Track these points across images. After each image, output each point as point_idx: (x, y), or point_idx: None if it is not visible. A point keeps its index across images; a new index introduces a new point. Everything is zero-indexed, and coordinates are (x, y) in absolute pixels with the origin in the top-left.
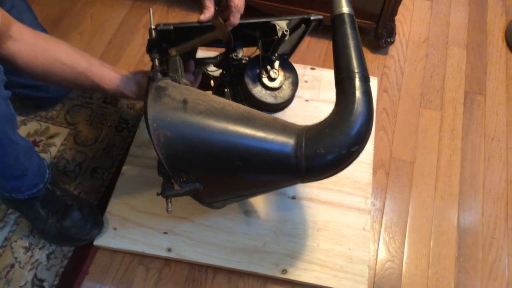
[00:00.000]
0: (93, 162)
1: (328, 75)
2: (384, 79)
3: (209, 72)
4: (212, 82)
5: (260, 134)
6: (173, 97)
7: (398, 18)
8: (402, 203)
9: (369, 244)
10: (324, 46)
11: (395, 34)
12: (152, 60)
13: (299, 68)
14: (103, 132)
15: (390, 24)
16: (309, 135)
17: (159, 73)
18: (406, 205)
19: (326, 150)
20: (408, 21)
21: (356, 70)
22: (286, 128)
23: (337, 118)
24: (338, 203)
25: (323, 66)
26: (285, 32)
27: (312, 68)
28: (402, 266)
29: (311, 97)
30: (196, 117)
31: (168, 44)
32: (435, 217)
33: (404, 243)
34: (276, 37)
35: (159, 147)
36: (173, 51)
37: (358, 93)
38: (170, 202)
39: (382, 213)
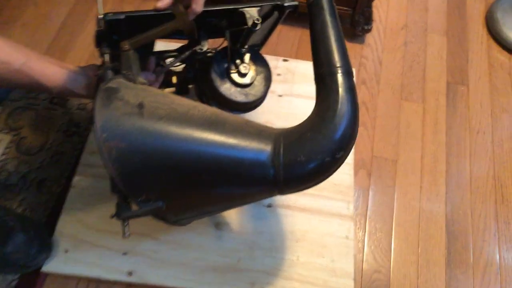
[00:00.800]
0: (39, 173)
1: (302, 67)
2: (361, 70)
3: (171, 67)
4: (174, 78)
5: (231, 140)
6: (126, 100)
7: (374, 3)
8: (386, 206)
9: (353, 254)
10: (297, 35)
11: (372, 21)
12: (102, 55)
13: (270, 59)
14: (51, 137)
15: (368, 10)
16: (288, 140)
17: (110, 71)
18: (391, 208)
19: (307, 158)
20: (385, 7)
21: (338, 64)
22: (261, 133)
23: (319, 120)
24: (317, 209)
25: (297, 57)
26: (256, 21)
27: (284, 60)
28: (389, 277)
29: (285, 91)
30: (155, 123)
31: (119, 37)
32: (421, 220)
33: (390, 251)
34: (246, 27)
35: (111, 162)
36: (125, 45)
37: (341, 91)
38: (127, 225)
39: (366, 218)
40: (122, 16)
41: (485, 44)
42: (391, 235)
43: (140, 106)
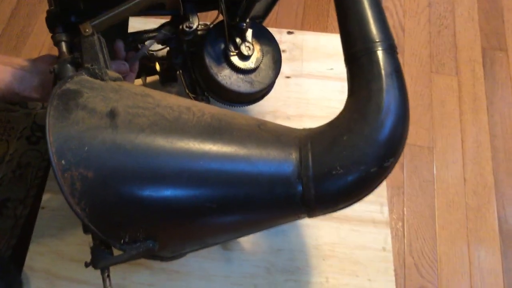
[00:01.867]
0: (0, 193)
1: (310, 40)
2: None
3: (152, 52)
4: (157, 65)
5: (242, 152)
6: (91, 107)
7: None
8: (426, 206)
9: (393, 269)
10: (300, 1)
11: None
12: (57, 44)
13: (272, 33)
14: (11, 146)
15: None
16: (318, 146)
17: (68, 66)
18: (432, 207)
19: (346, 169)
20: None
21: (377, 39)
22: (280, 137)
23: (357, 117)
24: (345, 216)
25: (303, 28)
26: None
27: (289, 32)
28: None
29: (293, 71)
30: (135, 138)
31: (79, 18)
32: (469, 219)
33: (436, 261)
34: None
35: (75, 199)
36: (87, 28)
37: (384, 74)
38: (108, 276)
39: (403, 222)
40: None
41: None
42: (435, 241)
43: (112, 114)
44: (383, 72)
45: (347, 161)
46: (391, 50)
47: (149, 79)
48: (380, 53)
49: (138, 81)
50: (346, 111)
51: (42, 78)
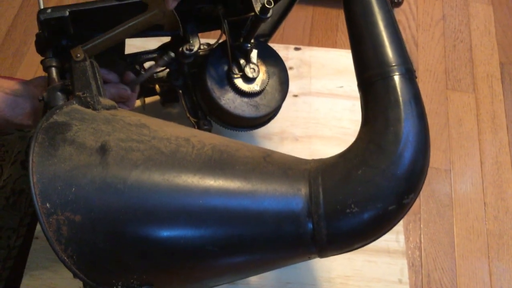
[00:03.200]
0: None
1: (319, 56)
2: None
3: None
4: (157, 87)
5: (245, 188)
6: (80, 143)
7: None
8: (444, 233)
9: None
10: (308, 15)
11: None
12: (46, 70)
13: (278, 49)
14: (5, 172)
15: None
16: (329, 180)
17: (58, 93)
18: (450, 234)
19: (361, 207)
20: None
21: (393, 62)
22: (287, 171)
23: (374, 149)
24: None
25: (310, 43)
26: (267, 5)
27: (296, 48)
28: None
29: (301, 90)
30: (128, 176)
31: (70, 41)
32: (491, 247)
33: None
34: (253, 14)
35: (61, 246)
36: (78, 52)
37: (402, 101)
38: None
39: (420, 252)
40: (66, 13)
41: None
42: (455, 271)
43: (103, 150)
44: (400, 99)
45: (363, 197)
46: (409, 74)
47: (150, 99)
48: (397, 78)
49: (137, 102)
50: (360, 141)
51: (35, 103)
